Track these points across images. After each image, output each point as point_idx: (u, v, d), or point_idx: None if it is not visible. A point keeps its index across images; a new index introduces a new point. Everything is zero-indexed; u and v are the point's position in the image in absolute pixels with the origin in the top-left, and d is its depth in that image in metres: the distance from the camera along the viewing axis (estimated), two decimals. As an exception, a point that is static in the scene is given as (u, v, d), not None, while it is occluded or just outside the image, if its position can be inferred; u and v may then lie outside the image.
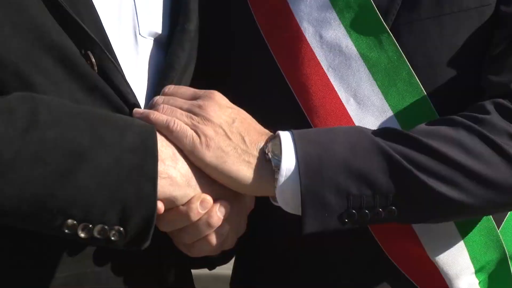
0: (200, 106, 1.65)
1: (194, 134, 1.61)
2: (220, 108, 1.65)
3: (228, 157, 1.62)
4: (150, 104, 1.71)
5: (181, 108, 1.65)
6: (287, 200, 1.64)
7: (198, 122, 1.63)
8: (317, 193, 1.63)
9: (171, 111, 1.65)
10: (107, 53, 1.64)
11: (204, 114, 1.64)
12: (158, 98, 1.67)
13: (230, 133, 1.63)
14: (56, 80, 1.62)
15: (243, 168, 1.63)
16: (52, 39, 1.61)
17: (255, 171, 1.64)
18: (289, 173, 1.63)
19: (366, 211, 1.65)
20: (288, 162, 1.62)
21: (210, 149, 1.61)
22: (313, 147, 1.64)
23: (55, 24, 1.62)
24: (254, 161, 1.64)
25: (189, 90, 1.69)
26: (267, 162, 1.63)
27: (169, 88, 1.71)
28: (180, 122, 1.61)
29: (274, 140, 1.66)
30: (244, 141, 1.64)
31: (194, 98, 1.67)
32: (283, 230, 1.80)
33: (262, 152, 1.64)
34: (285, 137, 1.64)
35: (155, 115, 1.62)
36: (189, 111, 1.64)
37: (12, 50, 1.59)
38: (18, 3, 1.59)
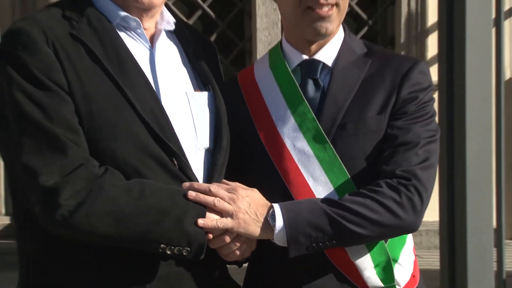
0: (233, 200, 2.20)
1: (232, 220, 2.17)
2: (243, 198, 2.21)
3: (249, 226, 2.21)
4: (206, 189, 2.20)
5: (223, 198, 2.18)
6: (280, 240, 2.25)
7: (235, 210, 2.18)
8: (295, 238, 2.23)
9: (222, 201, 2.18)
10: (183, 159, 2.20)
11: (237, 203, 2.20)
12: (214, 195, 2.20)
13: (250, 212, 2.20)
14: (155, 172, 2.16)
15: (256, 230, 2.22)
16: (153, 152, 2.15)
17: (263, 230, 2.23)
18: (279, 228, 2.24)
19: (320, 244, 2.26)
20: (279, 223, 2.24)
21: (241, 225, 2.19)
22: (291, 214, 2.24)
23: (155, 143, 2.16)
24: (262, 225, 2.23)
25: (225, 187, 2.22)
26: (268, 224, 2.24)
27: (214, 186, 2.20)
28: (226, 221, 2.18)
29: (271, 211, 2.22)
30: (257, 215, 2.22)
31: (228, 190, 2.21)
32: (273, 251, 2.35)
33: (266, 219, 2.23)
34: (277, 209, 2.23)
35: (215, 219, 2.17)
36: (230, 201, 2.18)
37: (131, 156, 2.14)
38: (133, 132, 2.14)
